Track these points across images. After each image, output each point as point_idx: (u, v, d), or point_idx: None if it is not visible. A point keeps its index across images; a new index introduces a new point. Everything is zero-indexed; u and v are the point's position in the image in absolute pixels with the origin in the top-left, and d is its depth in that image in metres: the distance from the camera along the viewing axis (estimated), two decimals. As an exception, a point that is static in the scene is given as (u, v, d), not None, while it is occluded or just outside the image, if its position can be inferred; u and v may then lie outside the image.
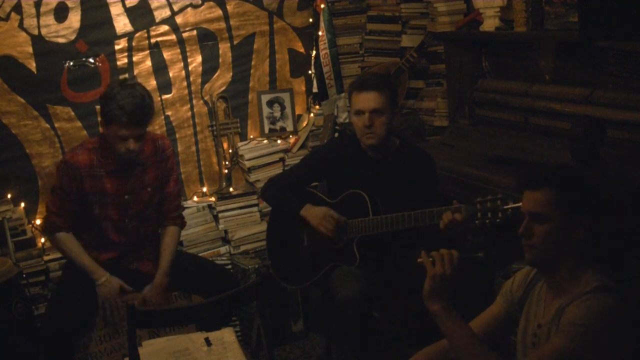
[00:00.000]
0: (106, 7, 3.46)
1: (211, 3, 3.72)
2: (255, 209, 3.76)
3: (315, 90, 4.04)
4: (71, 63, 3.41)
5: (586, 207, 1.75)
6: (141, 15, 3.55)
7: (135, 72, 3.57)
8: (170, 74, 3.69)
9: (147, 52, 3.60)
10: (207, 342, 2.25)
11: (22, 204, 3.36)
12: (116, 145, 2.73)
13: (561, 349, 1.64)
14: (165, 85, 3.69)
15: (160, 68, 3.66)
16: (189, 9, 3.67)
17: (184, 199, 3.53)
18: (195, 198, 3.76)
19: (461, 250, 1.86)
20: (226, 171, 3.86)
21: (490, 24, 3.41)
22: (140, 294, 2.85)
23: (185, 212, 3.24)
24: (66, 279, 2.94)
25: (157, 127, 3.64)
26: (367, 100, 2.65)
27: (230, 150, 3.87)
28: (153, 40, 3.61)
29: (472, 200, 2.39)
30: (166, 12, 3.61)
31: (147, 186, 2.91)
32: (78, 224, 2.88)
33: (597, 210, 1.78)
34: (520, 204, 2.28)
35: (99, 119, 3.06)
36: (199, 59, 3.75)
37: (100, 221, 2.86)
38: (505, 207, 2.29)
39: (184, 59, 3.71)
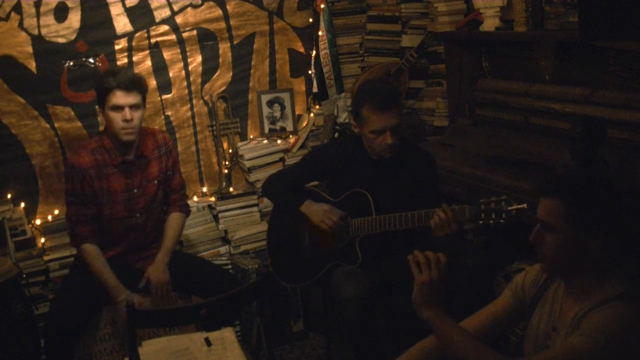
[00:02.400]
0: (106, 7, 3.46)
1: (211, 3, 3.72)
2: (255, 209, 3.77)
3: (315, 90, 4.04)
4: (71, 63, 3.41)
5: (600, 221, 1.66)
6: (141, 15, 3.55)
7: (135, 72, 3.56)
8: (170, 74, 3.69)
9: (147, 52, 3.61)
10: (207, 342, 2.24)
11: (22, 204, 3.36)
12: (115, 124, 2.76)
13: (579, 351, 1.58)
14: (165, 85, 3.69)
15: (160, 68, 3.66)
16: (189, 9, 3.67)
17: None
18: (195, 198, 3.76)
19: (450, 255, 1.82)
20: (226, 171, 3.86)
21: (490, 24, 3.41)
22: (147, 297, 2.86)
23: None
24: (70, 278, 2.95)
25: (157, 127, 3.64)
26: (389, 118, 2.59)
27: (230, 150, 3.87)
28: (153, 40, 3.61)
29: (474, 201, 2.39)
30: (166, 12, 3.61)
31: (153, 179, 2.95)
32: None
33: (616, 219, 1.69)
34: (524, 205, 2.28)
35: (99, 117, 3.06)
36: (199, 59, 3.76)
37: (109, 221, 2.87)
38: (509, 208, 2.29)
39: (184, 59, 3.71)
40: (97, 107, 2.85)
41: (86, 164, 2.80)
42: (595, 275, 1.70)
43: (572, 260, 1.70)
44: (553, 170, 2.88)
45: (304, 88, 4.11)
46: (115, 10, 3.48)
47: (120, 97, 2.74)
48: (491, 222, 2.32)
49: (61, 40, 3.38)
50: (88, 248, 2.82)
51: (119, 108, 2.75)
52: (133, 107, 2.77)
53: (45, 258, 3.28)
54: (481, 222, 2.35)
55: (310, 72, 4.06)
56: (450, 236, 2.44)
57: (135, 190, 2.89)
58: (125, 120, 2.75)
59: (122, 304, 2.74)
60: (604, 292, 1.67)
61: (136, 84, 2.79)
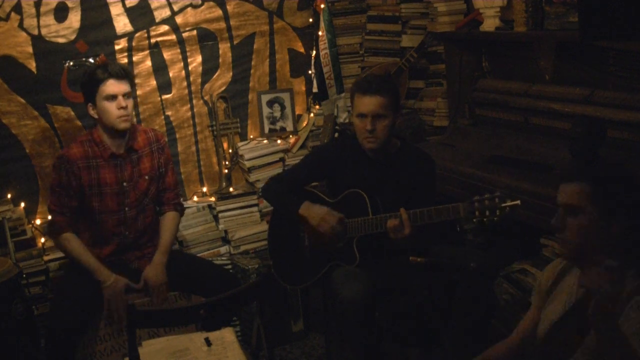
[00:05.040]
0: (106, 7, 3.46)
1: (211, 3, 3.72)
2: (255, 209, 3.76)
3: (315, 90, 4.04)
4: (71, 63, 3.41)
5: (622, 203, 1.71)
6: (141, 15, 3.55)
7: (135, 72, 3.57)
8: (170, 74, 3.69)
9: (147, 52, 3.61)
10: (207, 342, 2.24)
11: (22, 204, 3.36)
12: (111, 113, 2.80)
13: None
14: (165, 85, 3.69)
15: (160, 68, 3.66)
16: (189, 9, 3.67)
17: (183, 199, 3.53)
18: (195, 198, 3.76)
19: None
20: (226, 171, 3.86)
21: (490, 24, 3.41)
22: (146, 298, 2.87)
23: (185, 212, 3.24)
24: (67, 278, 2.95)
25: (157, 127, 3.65)
26: (370, 104, 2.63)
27: (230, 150, 3.87)
28: (153, 40, 3.61)
29: (470, 199, 2.39)
30: (166, 12, 3.61)
31: (144, 175, 2.97)
32: (79, 222, 2.90)
33: (637, 205, 1.72)
34: (517, 201, 2.28)
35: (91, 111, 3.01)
36: (199, 59, 3.76)
37: (99, 214, 2.88)
38: (503, 205, 2.29)
39: (184, 59, 3.71)
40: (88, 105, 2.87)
41: (74, 155, 2.83)
42: None
43: (591, 244, 1.72)
44: (553, 170, 2.88)
45: (304, 88, 4.11)
46: (115, 10, 3.48)
47: (113, 86, 2.80)
48: (485, 219, 2.32)
49: (61, 40, 3.38)
50: (66, 236, 2.85)
51: (112, 97, 2.80)
52: (125, 95, 2.83)
53: (45, 258, 3.28)
54: (475, 219, 2.35)
55: (310, 72, 4.06)
56: (405, 240, 2.49)
57: (125, 184, 2.91)
58: (121, 108, 2.80)
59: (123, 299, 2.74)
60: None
61: (126, 73, 2.87)
